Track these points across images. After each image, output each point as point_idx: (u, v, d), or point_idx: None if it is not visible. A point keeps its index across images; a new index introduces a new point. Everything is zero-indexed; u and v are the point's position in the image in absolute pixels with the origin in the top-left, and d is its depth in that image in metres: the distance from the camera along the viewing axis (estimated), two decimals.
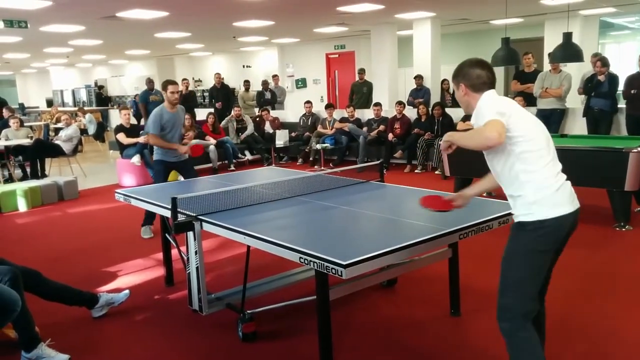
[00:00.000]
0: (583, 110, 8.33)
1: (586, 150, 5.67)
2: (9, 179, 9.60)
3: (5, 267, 3.30)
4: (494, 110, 2.38)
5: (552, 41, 10.54)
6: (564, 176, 2.49)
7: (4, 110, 11.33)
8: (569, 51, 7.62)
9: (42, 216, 7.42)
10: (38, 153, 9.73)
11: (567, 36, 7.61)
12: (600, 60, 7.94)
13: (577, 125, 8.58)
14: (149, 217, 5.82)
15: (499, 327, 2.52)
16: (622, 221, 5.56)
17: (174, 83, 5.63)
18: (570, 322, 3.55)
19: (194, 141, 9.97)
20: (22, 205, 7.78)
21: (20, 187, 7.95)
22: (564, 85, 8.40)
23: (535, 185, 2.41)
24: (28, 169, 9.82)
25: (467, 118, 9.09)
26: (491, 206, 3.37)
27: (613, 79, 7.96)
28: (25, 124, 12.00)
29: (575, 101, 9.49)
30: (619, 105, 8.23)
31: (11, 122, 10.30)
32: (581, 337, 3.37)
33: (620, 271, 4.44)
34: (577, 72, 9.78)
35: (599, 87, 7.96)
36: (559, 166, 2.50)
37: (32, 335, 3.30)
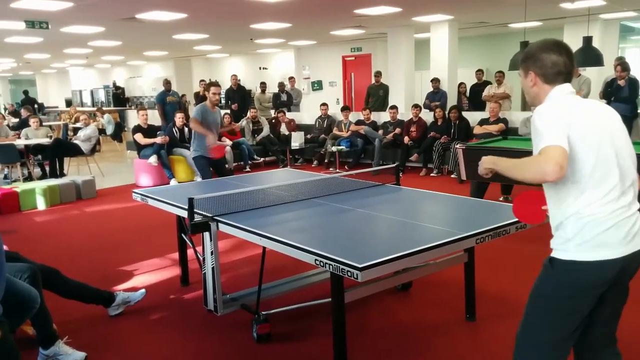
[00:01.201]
0: None
1: None
2: (29, 178, 9.74)
3: (24, 264, 3.35)
4: (555, 130, 1.94)
5: (571, 45, 10.28)
6: (631, 210, 2.03)
7: (22, 109, 11.49)
8: (589, 55, 7.56)
9: (61, 215, 7.51)
10: (57, 152, 9.86)
11: (587, 40, 7.56)
12: (621, 65, 7.87)
13: None
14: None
15: None
16: None
17: (216, 85, 6.28)
18: None
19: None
20: (40, 204, 7.88)
21: (39, 185, 8.05)
22: (583, 90, 8.31)
23: (580, 217, 2.00)
24: (47, 168, 9.94)
25: (484, 122, 9.04)
26: (508, 211, 3.34)
27: (633, 84, 7.88)
28: (44, 124, 12.16)
29: None
30: (639, 110, 8.14)
31: (31, 121, 10.45)
32: None
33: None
34: (596, 76, 9.69)
35: (619, 91, 7.88)
36: (629, 196, 2.04)
37: (49, 333, 3.33)
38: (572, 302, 2.05)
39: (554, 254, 2.08)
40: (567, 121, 1.99)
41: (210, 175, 6.28)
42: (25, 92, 21.70)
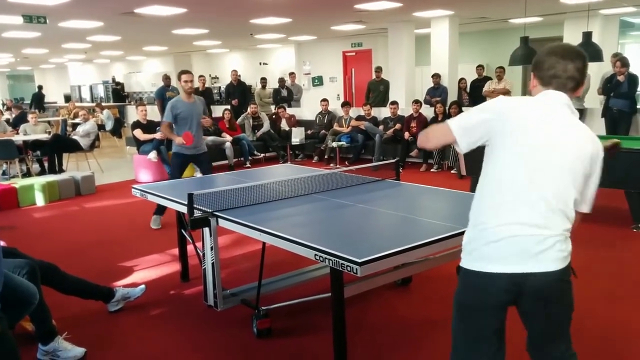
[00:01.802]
0: (602, 110, 8.23)
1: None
2: (27, 174, 9.72)
3: (23, 260, 3.34)
4: (465, 117, 2.02)
5: (571, 40, 10.35)
6: (536, 231, 1.90)
7: (13, 108, 11.46)
8: (588, 51, 7.45)
9: (60, 211, 7.50)
10: (56, 148, 9.84)
11: (587, 35, 7.53)
12: (620, 60, 7.84)
13: (596, 126, 8.47)
14: (162, 207, 5.90)
15: None
16: None
17: (187, 72, 5.74)
18: (586, 323, 3.51)
19: (207, 140, 10.01)
20: (39, 200, 7.87)
21: (38, 181, 8.04)
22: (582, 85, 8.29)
23: (474, 225, 2.00)
24: (46, 164, 9.94)
25: None
26: None
27: (633, 79, 7.86)
28: (43, 120, 12.16)
29: (593, 101, 9.38)
30: (638, 106, 8.12)
31: (30, 117, 10.43)
32: (597, 339, 3.33)
33: (637, 272, 4.38)
34: (596, 72, 9.66)
35: (618, 87, 7.86)
36: (535, 219, 1.90)
37: (49, 329, 3.33)
38: (467, 311, 2.05)
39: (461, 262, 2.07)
40: (497, 113, 1.95)
41: (179, 176, 5.76)
42: (40, 87, 21.97)
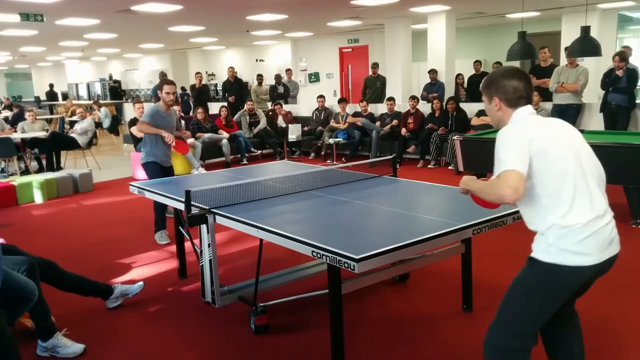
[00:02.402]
0: (600, 105, 8.23)
1: (603, 146, 5.60)
2: (25, 171, 9.72)
3: (22, 257, 3.35)
4: (514, 154, 2.11)
5: (569, 35, 10.42)
6: (604, 219, 2.19)
7: (13, 106, 11.45)
8: (586, 45, 7.53)
9: (58, 208, 7.50)
10: (54, 146, 9.83)
11: (585, 30, 7.52)
12: (619, 55, 7.85)
13: (594, 121, 8.50)
14: (160, 220, 5.60)
15: (484, 351, 2.34)
16: (639, 218, 5.50)
17: (170, 83, 5.35)
18: (585, 318, 3.52)
19: (204, 137, 10.01)
20: (38, 197, 7.87)
21: (36, 179, 8.04)
22: (580, 80, 8.31)
23: (559, 229, 2.14)
24: (44, 162, 9.93)
25: (481, 113, 9.05)
26: None
27: (632, 74, 7.86)
28: (41, 117, 12.14)
29: (592, 96, 9.39)
30: (637, 101, 8.13)
31: (27, 114, 10.41)
32: (596, 334, 3.34)
33: (636, 268, 4.40)
34: (594, 66, 9.68)
35: (617, 82, 7.86)
36: (600, 206, 2.20)
37: (48, 325, 3.34)
38: (547, 298, 2.22)
39: (535, 255, 2.22)
40: (528, 138, 2.15)
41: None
42: (51, 85, 22.53)
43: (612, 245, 2.22)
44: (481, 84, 2.43)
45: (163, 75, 12.12)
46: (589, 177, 2.20)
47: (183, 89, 14.86)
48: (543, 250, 2.18)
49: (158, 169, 5.41)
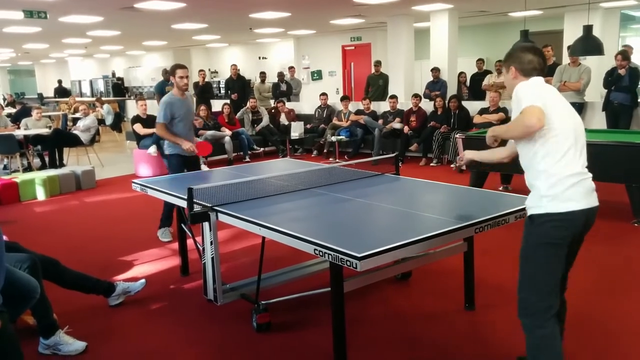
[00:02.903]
0: (602, 104, 8.21)
1: (605, 144, 5.60)
2: (28, 168, 9.73)
3: (24, 254, 3.35)
4: (532, 96, 2.41)
5: (571, 34, 10.40)
6: (587, 174, 2.50)
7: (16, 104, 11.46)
8: (589, 44, 7.51)
9: (60, 205, 7.51)
10: (56, 143, 9.85)
11: (588, 29, 7.50)
12: (621, 54, 7.83)
13: (596, 119, 8.48)
14: (166, 218, 5.54)
15: (521, 323, 2.55)
16: None
17: (182, 67, 5.21)
18: (587, 317, 3.53)
19: (206, 135, 10.01)
20: (40, 194, 7.88)
21: (38, 176, 8.05)
22: (582, 79, 8.28)
23: (550, 178, 2.43)
24: (46, 159, 9.94)
25: (484, 111, 9.03)
26: (507, 200, 3.35)
27: (634, 73, 7.84)
28: (43, 114, 12.15)
29: (594, 95, 9.37)
30: (639, 99, 8.11)
31: (34, 112, 10.44)
32: (598, 333, 3.34)
33: (638, 267, 4.39)
34: (597, 65, 9.65)
35: (619, 80, 7.84)
36: (583, 163, 2.51)
37: (50, 322, 3.35)
38: (553, 249, 2.46)
39: (531, 212, 2.51)
40: (541, 93, 2.47)
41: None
42: (59, 82, 22.75)
43: (593, 195, 2.52)
44: (503, 59, 2.72)
45: (166, 73, 12.12)
46: (579, 139, 2.50)
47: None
48: (536, 205, 2.47)
49: (181, 163, 5.30)
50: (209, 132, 10.16)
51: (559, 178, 2.42)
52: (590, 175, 2.52)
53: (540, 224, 2.46)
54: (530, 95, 2.43)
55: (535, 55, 2.58)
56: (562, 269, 2.53)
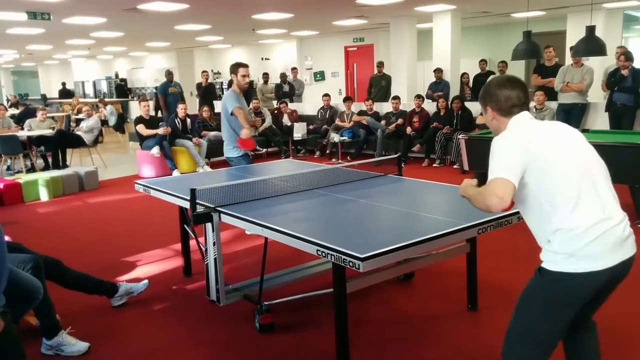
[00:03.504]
0: (605, 104, 8.20)
1: (608, 145, 5.59)
2: (31, 169, 9.76)
3: (27, 255, 3.36)
4: (503, 161, 2.09)
5: (574, 35, 10.37)
6: (615, 218, 2.11)
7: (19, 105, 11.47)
8: (591, 45, 7.50)
9: (63, 206, 7.52)
10: (59, 143, 9.87)
11: (590, 30, 7.49)
12: (624, 55, 7.81)
13: (599, 120, 8.46)
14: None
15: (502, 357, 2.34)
16: None
17: (245, 66, 5.27)
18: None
19: (209, 135, 10.01)
20: (43, 195, 7.90)
21: (42, 177, 8.07)
22: (585, 80, 8.27)
23: (563, 235, 2.07)
24: (50, 159, 9.96)
25: None
26: None
27: (637, 74, 7.82)
28: (47, 115, 12.18)
29: (597, 96, 9.35)
30: None
31: (39, 113, 10.47)
32: (604, 336, 3.33)
33: None
34: (599, 66, 9.63)
35: (622, 81, 7.83)
36: (606, 202, 2.12)
37: (53, 323, 3.35)
38: (559, 308, 2.15)
39: (543, 265, 2.16)
40: (522, 144, 2.12)
41: None
42: (63, 84, 23.37)
43: (624, 247, 2.12)
44: (479, 96, 2.41)
45: (169, 74, 12.14)
46: (596, 178, 2.14)
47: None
48: (550, 260, 2.12)
49: (247, 161, 5.33)
50: (212, 133, 10.17)
51: (575, 233, 2.05)
52: (621, 217, 2.14)
53: (552, 281, 2.12)
54: (503, 158, 2.10)
55: (512, 89, 2.24)
56: (566, 324, 2.22)
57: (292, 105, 12.19)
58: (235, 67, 5.27)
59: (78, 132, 10.34)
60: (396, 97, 10.46)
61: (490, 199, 2.03)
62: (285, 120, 11.59)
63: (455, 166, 9.15)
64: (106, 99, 19.25)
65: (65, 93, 22.88)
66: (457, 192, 2.39)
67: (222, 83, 18.68)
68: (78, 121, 12.19)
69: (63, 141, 9.98)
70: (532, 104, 8.66)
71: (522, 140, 2.13)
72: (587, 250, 2.05)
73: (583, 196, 2.07)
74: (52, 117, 13.15)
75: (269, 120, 11.31)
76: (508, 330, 2.30)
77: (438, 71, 11.05)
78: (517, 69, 13.09)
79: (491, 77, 2.20)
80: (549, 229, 2.11)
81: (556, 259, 2.09)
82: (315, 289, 3.73)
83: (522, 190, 2.13)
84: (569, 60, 9.42)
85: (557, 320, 2.17)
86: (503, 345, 2.31)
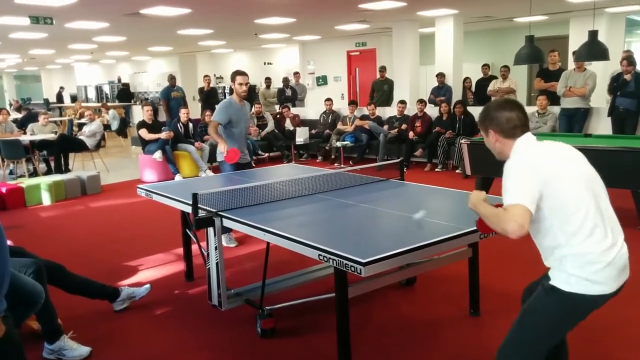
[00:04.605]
0: (608, 109, 8.19)
1: (611, 150, 5.58)
2: (34, 173, 9.77)
3: (29, 259, 3.36)
4: (520, 186, 2.11)
5: (577, 39, 10.38)
6: (619, 244, 2.20)
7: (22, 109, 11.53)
8: (594, 50, 7.50)
9: (66, 210, 7.53)
10: (62, 148, 9.88)
11: (593, 34, 7.49)
12: (627, 59, 7.81)
13: (602, 125, 8.44)
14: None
15: None
16: None
17: (243, 74, 5.28)
18: (591, 323, 3.49)
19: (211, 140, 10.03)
20: (46, 199, 7.91)
21: (44, 181, 8.08)
22: (588, 84, 8.27)
23: (577, 260, 2.14)
24: (52, 164, 9.98)
25: None
26: None
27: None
28: (49, 119, 12.21)
29: (600, 100, 9.34)
30: None
31: (41, 117, 10.49)
32: (602, 340, 3.32)
33: None
34: (602, 70, 9.63)
35: (625, 86, 7.82)
36: (614, 229, 2.21)
37: (54, 328, 3.35)
38: (565, 323, 2.25)
39: (555, 283, 2.19)
40: (536, 170, 2.14)
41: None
42: (61, 88, 23.70)
43: (625, 272, 2.23)
44: (477, 121, 2.44)
45: (172, 78, 12.17)
46: (599, 199, 2.20)
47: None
48: (564, 281, 2.16)
49: (235, 169, 5.25)
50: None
51: (588, 259, 2.13)
52: (622, 239, 2.24)
53: (564, 300, 2.18)
54: (520, 184, 2.11)
55: (512, 111, 2.27)
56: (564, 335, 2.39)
57: (294, 110, 12.20)
58: (234, 76, 5.31)
59: (80, 137, 10.36)
60: (402, 102, 10.43)
61: (510, 224, 2.05)
62: (288, 125, 11.60)
63: (457, 171, 9.14)
64: (109, 104, 19.29)
65: (60, 98, 23.30)
66: (467, 205, 2.37)
67: (224, 87, 18.71)
68: (80, 125, 12.22)
69: (65, 145, 10.00)
70: (534, 109, 8.66)
71: (537, 167, 2.16)
72: (602, 275, 2.13)
73: (591, 224, 2.13)
74: (55, 122, 13.17)
75: (271, 125, 11.31)
76: (510, 338, 2.32)
77: (440, 76, 11.05)
78: (520, 74, 13.09)
79: (487, 103, 2.19)
80: (560, 253, 2.17)
81: (570, 280, 2.15)
82: (317, 293, 3.73)
83: (534, 214, 2.14)
84: (571, 64, 9.44)
85: (556, 337, 2.28)
86: (500, 350, 2.33)
